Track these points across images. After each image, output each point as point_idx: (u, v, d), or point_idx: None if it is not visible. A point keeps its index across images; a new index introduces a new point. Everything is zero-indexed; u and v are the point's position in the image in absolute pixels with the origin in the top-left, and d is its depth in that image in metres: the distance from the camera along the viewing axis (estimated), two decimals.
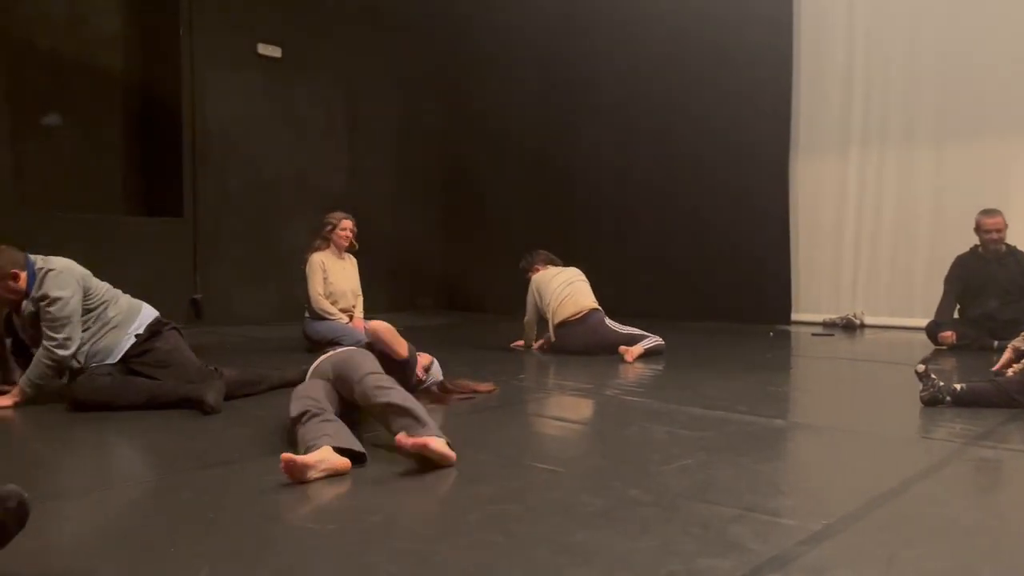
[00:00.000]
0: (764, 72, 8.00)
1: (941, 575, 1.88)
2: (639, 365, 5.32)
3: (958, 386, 3.90)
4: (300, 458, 2.59)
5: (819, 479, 2.76)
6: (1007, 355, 4.38)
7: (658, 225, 8.52)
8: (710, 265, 8.23)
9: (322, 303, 5.56)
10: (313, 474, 2.60)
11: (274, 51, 8.54)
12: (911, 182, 7.61)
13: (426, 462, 2.74)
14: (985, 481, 2.83)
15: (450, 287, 10.28)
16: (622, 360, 5.43)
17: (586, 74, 9.03)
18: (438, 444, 2.73)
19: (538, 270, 6.09)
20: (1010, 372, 4.07)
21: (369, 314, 6.81)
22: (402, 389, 3.03)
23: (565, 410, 4.11)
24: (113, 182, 7.94)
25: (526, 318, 6.03)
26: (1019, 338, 4.28)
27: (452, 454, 2.77)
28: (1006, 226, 6.07)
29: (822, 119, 8.03)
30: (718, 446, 3.12)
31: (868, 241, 7.85)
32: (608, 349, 5.57)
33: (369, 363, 3.20)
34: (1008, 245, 6.14)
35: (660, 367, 5.26)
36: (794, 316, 8.05)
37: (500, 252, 9.62)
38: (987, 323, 5.95)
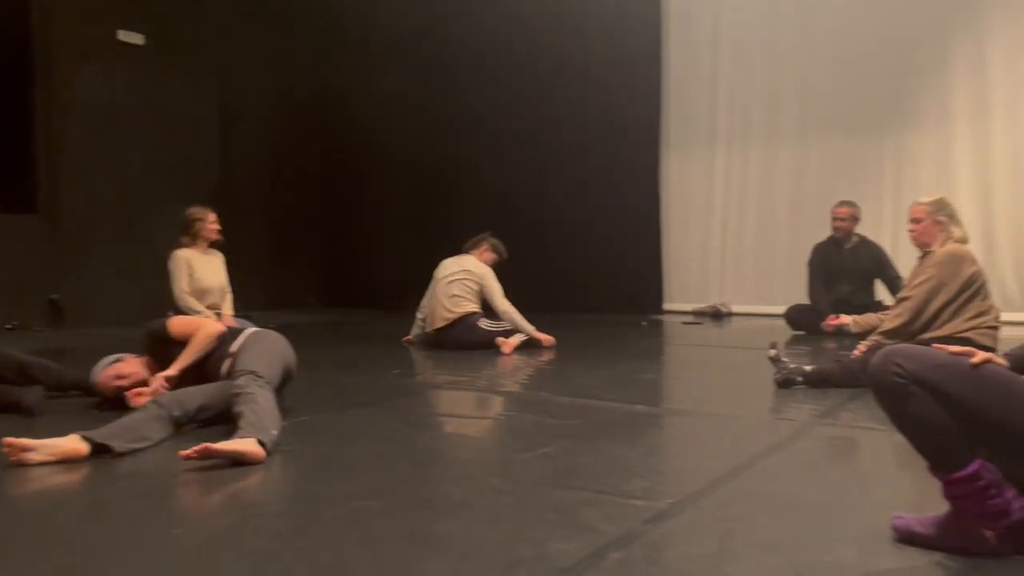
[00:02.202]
0: (635, 73, 8.30)
1: (770, 547, 2.00)
2: (515, 356, 5.40)
3: (808, 368, 4.15)
4: (20, 441, 2.71)
5: (672, 461, 2.89)
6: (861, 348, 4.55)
7: (536, 219, 8.65)
8: (586, 258, 8.44)
9: (187, 300, 5.37)
10: (34, 456, 2.71)
11: (136, 38, 8.15)
12: (772, 177, 8.04)
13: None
14: (824, 457, 3.03)
15: (334, 282, 10.10)
16: (499, 352, 5.49)
17: (464, 69, 9.06)
18: (227, 445, 2.71)
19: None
20: (855, 353, 4.36)
21: (245, 311, 6.64)
22: (249, 394, 2.98)
23: (437, 404, 4.13)
24: None
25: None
26: (870, 338, 4.47)
27: (250, 451, 2.73)
28: (854, 217, 6.48)
29: (690, 118, 8.36)
30: (582, 433, 3.21)
31: (733, 233, 8.24)
32: (484, 346, 5.61)
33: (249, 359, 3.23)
34: (860, 235, 6.56)
35: (535, 358, 5.36)
36: (666, 306, 8.36)
37: (385, 245, 9.56)
38: (841, 308, 6.33)
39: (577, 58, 8.47)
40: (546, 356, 5.40)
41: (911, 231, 4.31)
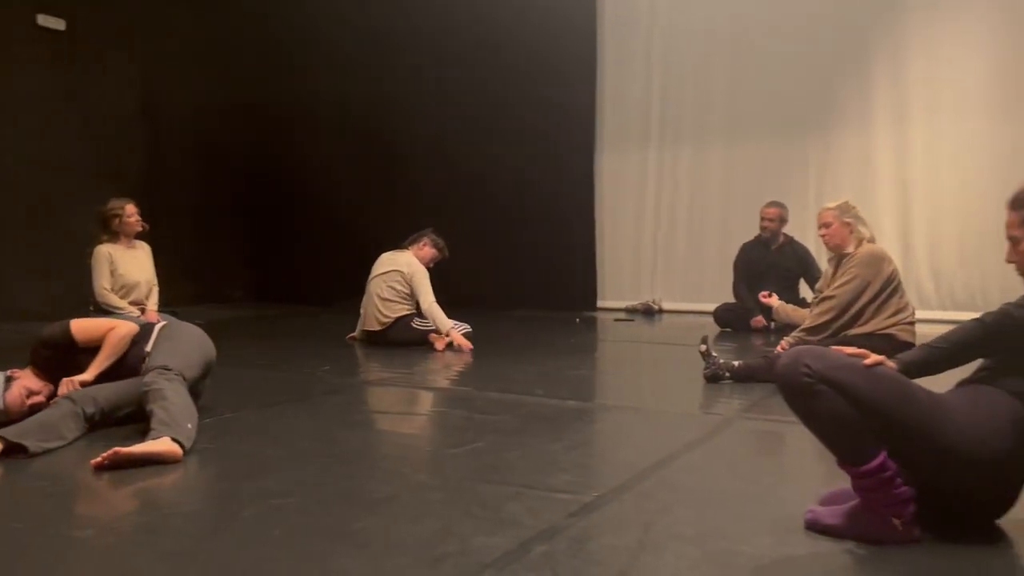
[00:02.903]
0: (570, 73, 8.38)
1: (689, 537, 2.04)
2: (448, 353, 5.38)
3: (736, 363, 4.25)
4: None
5: (599, 455, 2.92)
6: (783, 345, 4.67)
7: (474, 216, 8.64)
8: (521, 255, 8.46)
9: (107, 297, 5.18)
10: None
11: (57, 23, 7.85)
12: (703, 177, 8.19)
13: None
14: (747, 450, 3.10)
15: (266, 277, 9.90)
16: (433, 349, 5.47)
17: (400, 68, 8.99)
18: (140, 448, 2.64)
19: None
20: (778, 349, 4.48)
21: (171, 307, 6.46)
22: (158, 390, 2.90)
23: (366, 400, 4.09)
24: None
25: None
26: (793, 335, 4.59)
27: (165, 450, 2.66)
28: (782, 218, 6.65)
29: (624, 118, 8.47)
30: (510, 428, 3.22)
31: (665, 232, 8.37)
32: (418, 343, 5.57)
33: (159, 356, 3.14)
34: (787, 236, 6.73)
35: (468, 355, 5.34)
36: (599, 303, 8.44)
37: (319, 241, 9.41)
38: (766, 306, 6.49)
39: (513, 57, 8.50)
40: (479, 353, 5.39)
41: (823, 235, 4.50)
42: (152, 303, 5.48)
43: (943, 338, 2.14)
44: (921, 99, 7.33)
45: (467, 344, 5.44)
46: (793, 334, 4.47)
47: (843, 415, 1.94)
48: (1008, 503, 2.06)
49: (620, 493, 2.40)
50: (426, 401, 3.91)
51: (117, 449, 2.59)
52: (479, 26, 8.63)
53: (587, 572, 1.83)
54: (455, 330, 5.64)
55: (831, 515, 2.04)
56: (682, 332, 6.81)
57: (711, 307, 6.97)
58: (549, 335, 6.52)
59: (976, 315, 2.15)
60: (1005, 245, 2.14)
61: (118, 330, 3.29)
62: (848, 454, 1.98)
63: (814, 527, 2.04)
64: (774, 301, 6.23)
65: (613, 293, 8.50)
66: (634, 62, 8.42)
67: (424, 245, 5.93)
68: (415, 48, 8.94)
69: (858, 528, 1.98)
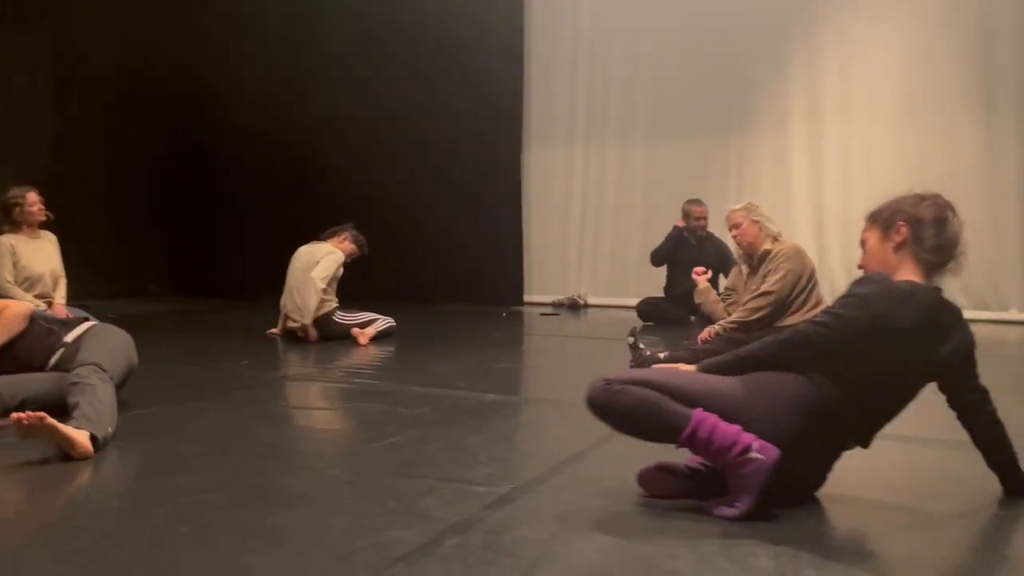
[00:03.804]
0: (497, 67, 8.39)
1: (603, 527, 2.08)
2: (372, 347, 5.35)
3: (662, 355, 4.36)
4: None
5: (518, 447, 2.95)
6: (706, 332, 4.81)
7: (399, 210, 8.58)
8: (448, 249, 8.45)
9: (10, 290, 4.96)
10: None
11: None
12: (627, 173, 8.32)
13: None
14: None
15: (184, 270, 9.63)
16: (355, 343, 5.42)
17: (327, 60, 8.85)
18: (63, 426, 2.58)
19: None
20: (701, 337, 4.61)
21: (82, 300, 6.24)
22: (90, 385, 2.82)
23: (285, 396, 4.03)
24: None
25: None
26: (722, 323, 4.71)
27: (81, 442, 2.59)
28: (707, 216, 6.83)
29: (551, 113, 8.53)
30: (431, 422, 3.22)
31: (591, 227, 8.47)
32: (340, 338, 5.50)
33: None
34: (708, 232, 6.90)
35: (391, 348, 5.32)
36: (526, 297, 8.49)
37: (240, 234, 9.20)
38: (688, 300, 6.63)
39: (439, 51, 8.46)
40: (402, 347, 5.37)
41: (735, 236, 4.63)
42: (60, 296, 5.27)
43: (746, 349, 2.31)
44: (834, 102, 7.59)
45: (366, 335, 5.39)
46: (724, 322, 4.58)
47: (646, 398, 2.14)
48: (818, 478, 2.26)
49: (536, 485, 2.43)
50: (346, 396, 3.87)
51: (46, 416, 2.51)
52: (405, 18, 8.57)
53: (499, 564, 1.85)
54: (379, 325, 5.61)
55: (723, 509, 2.12)
56: (607, 326, 6.91)
57: (634, 301, 7.09)
58: (474, 329, 6.53)
59: None
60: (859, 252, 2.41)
61: (13, 308, 3.23)
62: (667, 433, 2.14)
63: (734, 517, 2.11)
64: (704, 281, 6.36)
65: (539, 287, 8.56)
66: (560, 58, 8.49)
67: (344, 240, 5.84)
68: (339, 39, 8.81)
69: (741, 489, 2.08)
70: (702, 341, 4.57)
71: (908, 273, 2.29)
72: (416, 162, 8.58)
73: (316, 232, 6.00)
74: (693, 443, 2.13)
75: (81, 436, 2.60)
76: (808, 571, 1.83)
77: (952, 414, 2.36)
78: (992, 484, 2.36)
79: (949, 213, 2.32)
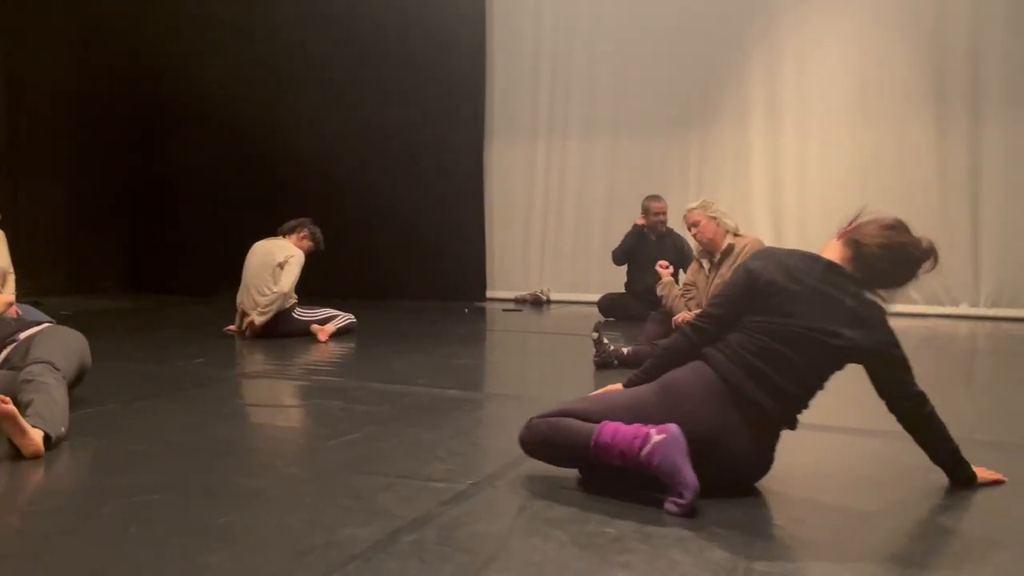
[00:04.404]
0: (460, 62, 8.37)
1: (560, 521, 2.08)
2: (331, 344, 5.30)
3: (625, 349, 4.39)
4: None
5: (478, 443, 2.94)
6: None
7: (361, 206, 8.52)
8: (410, 245, 8.40)
9: None
10: None
11: None
12: (589, 169, 8.36)
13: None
14: None
15: (140, 266, 9.45)
16: (315, 340, 5.36)
17: (288, 54, 8.74)
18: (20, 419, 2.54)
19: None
20: (676, 321, 4.65)
21: (35, 297, 6.09)
22: (44, 384, 2.77)
23: (242, 393, 3.97)
24: None
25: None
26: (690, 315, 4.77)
27: (33, 440, 2.55)
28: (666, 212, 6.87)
29: (514, 109, 8.54)
30: (390, 418, 3.20)
31: (553, 224, 8.50)
32: (300, 334, 5.44)
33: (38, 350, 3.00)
34: (668, 228, 6.94)
35: (352, 345, 5.28)
36: (489, 293, 8.48)
37: (198, 229, 9.04)
38: (648, 296, 6.68)
39: (402, 46, 8.41)
40: (363, 344, 5.33)
41: (695, 235, 4.68)
42: (9, 292, 5.13)
43: (655, 356, 2.49)
44: (792, 98, 7.70)
45: (326, 332, 5.35)
46: (695, 313, 4.61)
47: (555, 424, 2.33)
48: (759, 460, 2.30)
49: (494, 480, 2.42)
50: (304, 393, 3.83)
51: (9, 400, 2.48)
52: (366, 14, 8.49)
53: (455, 559, 1.84)
54: (339, 321, 5.57)
55: (670, 506, 2.14)
56: (570, 321, 6.93)
57: (597, 297, 7.12)
58: (437, 325, 6.50)
59: None
60: None
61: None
62: (579, 448, 2.26)
63: (683, 513, 2.12)
64: (667, 275, 6.41)
65: (502, 283, 8.56)
66: (523, 55, 8.50)
67: (303, 237, 5.77)
68: (300, 35, 8.70)
69: (673, 479, 2.12)
70: (677, 324, 4.61)
71: (832, 254, 2.40)
72: (378, 158, 8.52)
73: (274, 227, 5.92)
74: (599, 449, 2.22)
75: (35, 433, 2.55)
76: (760, 563, 1.85)
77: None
78: (936, 474, 2.41)
79: (911, 236, 2.38)
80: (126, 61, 9.12)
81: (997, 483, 2.41)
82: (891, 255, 2.34)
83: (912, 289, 7.45)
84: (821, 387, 2.37)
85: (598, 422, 2.28)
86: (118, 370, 4.13)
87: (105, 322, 6.43)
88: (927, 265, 2.36)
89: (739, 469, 2.30)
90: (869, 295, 2.36)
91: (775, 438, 2.34)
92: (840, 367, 2.35)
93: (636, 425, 2.21)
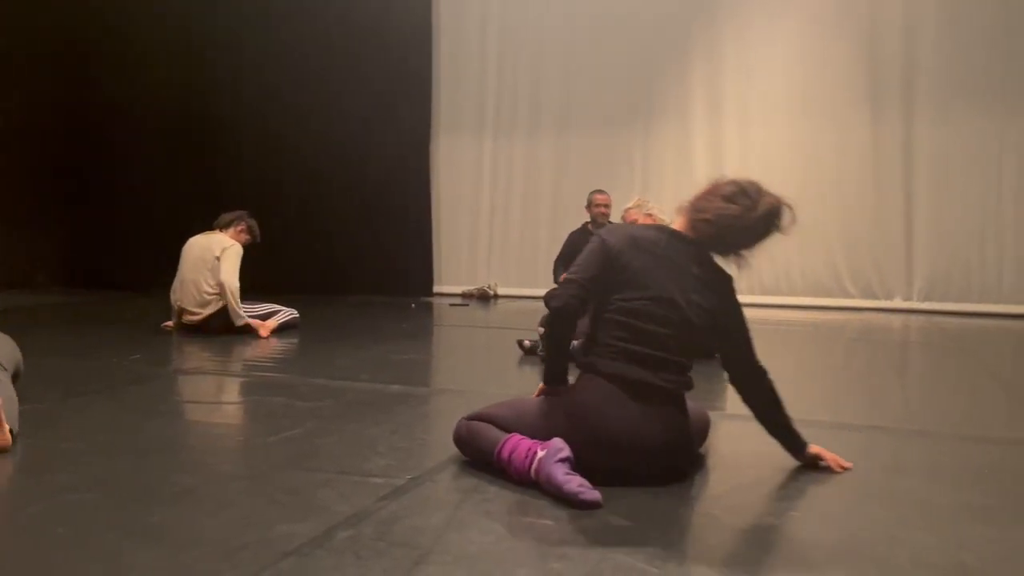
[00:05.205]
0: (406, 57, 8.37)
1: (497, 514, 2.09)
2: (273, 340, 5.22)
3: (575, 342, 4.40)
4: None
5: (418, 438, 2.92)
6: None
7: (305, 200, 8.43)
8: (356, 240, 8.34)
9: None
10: None
11: None
12: (535, 166, 8.39)
13: None
14: None
15: (73, 260, 9.18)
16: (256, 336, 5.28)
17: (232, 47, 8.59)
18: None
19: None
20: None
21: None
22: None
23: (179, 390, 3.88)
24: None
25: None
26: None
27: (3, 434, 2.54)
28: (610, 205, 6.92)
29: (460, 105, 8.55)
30: (332, 414, 3.16)
31: (500, 218, 8.51)
32: (242, 331, 5.35)
33: None
34: (612, 222, 7.00)
35: (295, 341, 5.21)
36: (436, 288, 8.46)
37: (135, 222, 8.82)
38: None
39: (347, 41, 8.35)
40: (306, 339, 5.26)
41: None
42: None
43: (544, 342, 2.61)
44: (733, 97, 7.85)
45: (267, 327, 5.28)
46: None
47: (472, 429, 2.45)
48: (656, 441, 2.30)
49: (435, 475, 2.41)
50: (244, 390, 3.76)
51: None
52: (310, 9, 8.40)
53: (391, 554, 1.83)
54: (281, 316, 5.49)
55: (589, 492, 2.16)
56: (516, 317, 6.94)
57: (543, 292, 7.13)
58: (382, 321, 6.45)
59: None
60: None
61: None
62: (488, 457, 2.37)
63: (590, 505, 2.14)
64: None
65: (449, 278, 8.55)
66: (470, 50, 8.50)
67: (241, 230, 5.65)
68: (243, 28, 8.57)
69: (569, 486, 2.14)
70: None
71: (678, 224, 2.47)
72: (322, 151, 8.43)
73: (213, 221, 5.80)
74: (500, 464, 2.32)
75: (6, 427, 2.53)
76: (692, 551, 1.88)
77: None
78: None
79: (748, 200, 2.36)
80: (61, 48, 8.84)
81: (844, 469, 2.49)
82: (723, 222, 2.36)
83: (848, 283, 7.60)
84: (702, 350, 2.47)
85: (511, 431, 2.36)
86: (51, 367, 4.00)
87: (38, 317, 6.24)
88: (771, 226, 2.36)
89: (669, 455, 2.34)
90: (715, 263, 2.44)
91: (685, 413, 2.39)
92: (702, 333, 2.39)
93: (532, 442, 2.28)
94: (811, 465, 2.51)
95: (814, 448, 2.51)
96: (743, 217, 2.34)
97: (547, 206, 8.31)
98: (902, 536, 1.98)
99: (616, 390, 2.30)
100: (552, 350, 2.47)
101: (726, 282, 2.46)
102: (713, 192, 2.41)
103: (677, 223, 2.48)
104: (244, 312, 5.40)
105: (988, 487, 2.39)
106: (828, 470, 2.49)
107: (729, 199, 2.37)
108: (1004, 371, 4.67)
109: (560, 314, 2.37)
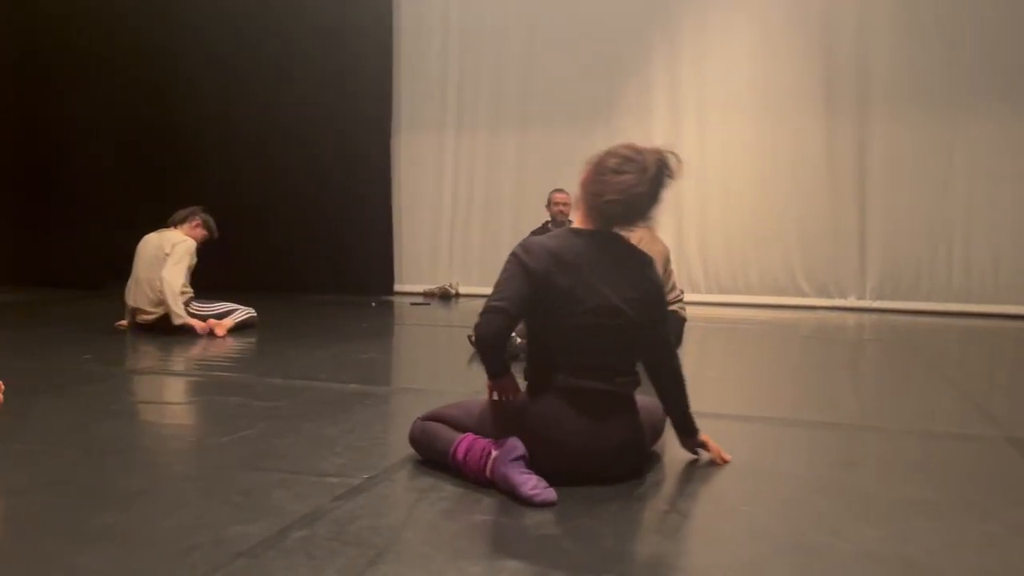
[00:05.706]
0: (366, 53, 8.33)
1: (453, 513, 2.09)
2: (229, 339, 5.16)
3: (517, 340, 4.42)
4: None
5: (375, 437, 2.90)
6: None
7: (264, 197, 8.33)
8: (316, 238, 8.27)
9: None
10: None
11: None
12: (497, 163, 8.40)
13: None
14: None
15: (18, 258, 8.95)
16: (212, 335, 5.21)
17: (189, 43, 8.46)
18: None
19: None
20: None
21: None
22: None
23: (131, 390, 3.82)
24: None
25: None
26: None
27: None
28: (569, 204, 6.95)
29: (421, 102, 8.52)
30: (288, 414, 3.14)
31: (462, 216, 8.50)
32: (192, 331, 5.27)
33: None
34: (571, 220, 7.03)
35: (252, 340, 5.15)
36: (397, 287, 8.43)
37: (86, 218, 8.64)
38: None
39: (308, 37, 8.29)
40: (264, 339, 5.21)
41: None
42: None
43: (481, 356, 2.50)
44: (692, 97, 7.94)
45: (204, 327, 5.21)
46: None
47: (426, 429, 2.48)
48: (609, 440, 2.31)
49: (391, 474, 2.41)
50: (199, 390, 3.71)
51: None
52: (272, 7, 8.30)
53: (345, 553, 1.82)
54: (238, 315, 5.43)
55: (545, 491, 2.17)
56: (478, 316, 6.93)
57: None
58: (342, 320, 6.41)
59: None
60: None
61: None
62: (443, 457, 2.38)
63: (545, 504, 2.15)
64: None
65: (410, 277, 8.52)
66: (431, 46, 8.48)
67: (196, 225, 5.57)
68: (200, 22, 8.44)
69: (526, 486, 2.15)
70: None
71: (580, 223, 2.43)
72: (281, 148, 8.35)
73: (169, 218, 5.71)
74: (455, 464, 2.34)
75: None
76: (645, 548, 1.90)
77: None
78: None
79: (637, 164, 2.32)
80: (7, 41, 8.63)
81: (724, 461, 2.54)
82: (629, 194, 2.31)
83: (802, 281, 7.70)
84: (647, 343, 2.44)
85: (466, 431, 2.38)
86: (1, 367, 3.91)
87: None
88: (666, 177, 2.34)
89: (623, 454, 2.36)
90: (631, 246, 2.44)
91: (636, 411, 2.41)
92: (643, 326, 2.38)
93: (486, 441, 2.30)
94: (692, 452, 2.58)
95: (703, 436, 2.56)
96: (641, 182, 2.30)
97: (509, 205, 8.32)
98: (847, 529, 2.02)
99: (567, 404, 2.29)
100: (487, 361, 2.39)
101: (648, 264, 2.45)
102: (600, 172, 2.34)
103: (577, 218, 2.44)
104: (200, 311, 5.32)
105: (935, 481, 2.45)
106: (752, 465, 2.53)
107: (619, 171, 2.31)
108: (951, 368, 4.79)
109: (490, 343, 2.33)
